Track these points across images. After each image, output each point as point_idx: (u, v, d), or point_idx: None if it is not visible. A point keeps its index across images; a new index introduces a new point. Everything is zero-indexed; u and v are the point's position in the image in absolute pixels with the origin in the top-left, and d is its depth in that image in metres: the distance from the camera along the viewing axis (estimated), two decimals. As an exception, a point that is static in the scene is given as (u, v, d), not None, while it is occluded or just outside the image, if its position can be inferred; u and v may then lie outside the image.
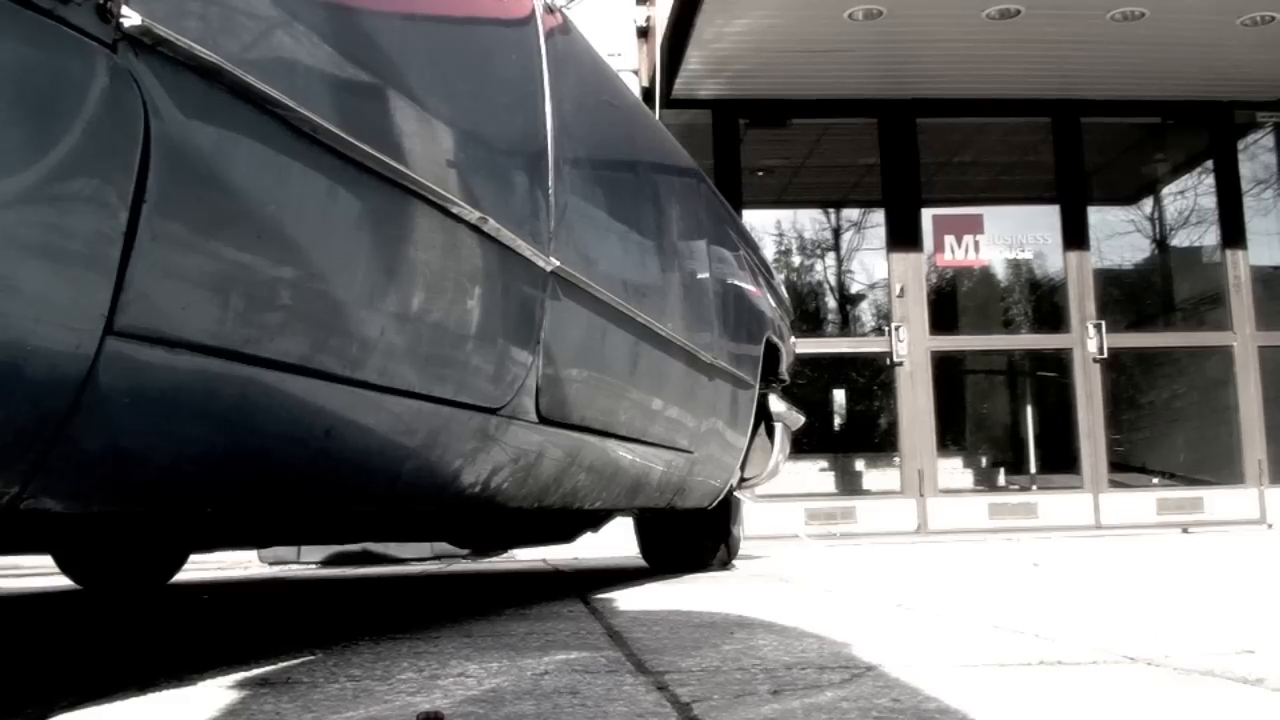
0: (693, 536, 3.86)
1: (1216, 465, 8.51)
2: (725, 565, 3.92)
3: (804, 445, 7.44)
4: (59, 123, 0.97)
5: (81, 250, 1.01)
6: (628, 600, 2.59)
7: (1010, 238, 8.72)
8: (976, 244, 8.48)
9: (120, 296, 1.05)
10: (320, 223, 1.38)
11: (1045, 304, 9.68)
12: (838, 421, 10.59)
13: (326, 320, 1.42)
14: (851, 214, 10.47)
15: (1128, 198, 9.95)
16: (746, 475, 3.92)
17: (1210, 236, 8.89)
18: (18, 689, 1.46)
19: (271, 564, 5.35)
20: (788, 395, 4.28)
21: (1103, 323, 8.10)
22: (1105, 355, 8.08)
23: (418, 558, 5.31)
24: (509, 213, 1.89)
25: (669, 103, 7.69)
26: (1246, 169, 8.75)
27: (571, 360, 2.22)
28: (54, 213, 0.98)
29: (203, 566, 5.00)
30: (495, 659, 1.54)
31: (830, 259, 10.68)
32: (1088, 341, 8.07)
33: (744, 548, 4.23)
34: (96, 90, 1.01)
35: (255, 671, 1.45)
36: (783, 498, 7.38)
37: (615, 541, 4.38)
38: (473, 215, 1.73)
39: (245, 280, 1.24)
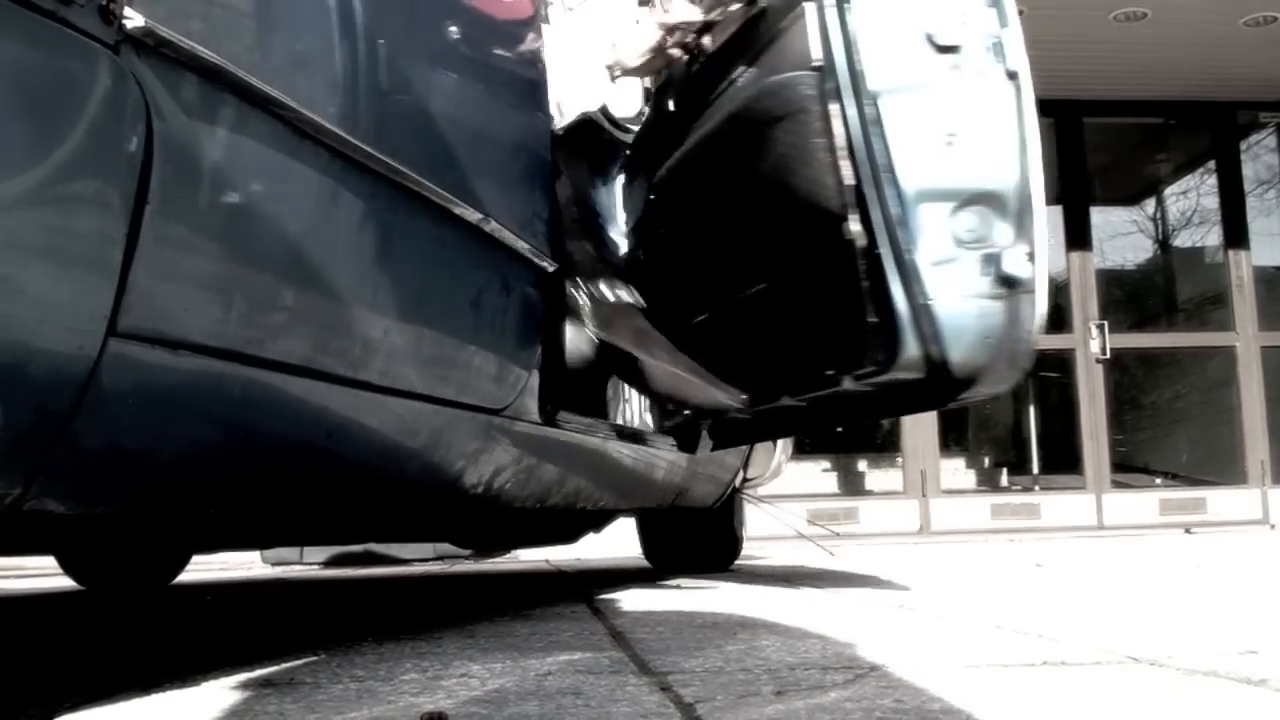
0: (695, 537, 3.86)
1: (1219, 466, 8.49)
2: (728, 566, 3.92)
3: (806, 446, 7.43)
4: (62, 124, 0.97)
5: (84, 252, 1.01)
6: (631, 601, 2.59)
7: (1012, 238, 8.70)
8: (979, 244, 8.46)
9: (123, 298, 1.05)
10: (322, 224, 1.38)
11: (1048, 304, 9.65)
12: (840, 422, 10.57)
13: (328, 321, 1.42)
14: (853, 214, 10.44)
15: (1130, 198, 9.94)
16: (749, 475, 3.91)
17: (1213, 237, 8.88)
18: (22, 689, 1.46)
19: (274, 565, 5.35)
20: (790, 396, 4.26)
21: (1105, 323, 8.09)
22: (1108, 355, 8.07)
23: (420, 558, 5.31)
24: (511, 213, 1.89)
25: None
26: (1249, 169, 8.74)
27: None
28: (57, 214, 0.98)
29: (205, 567, 5.00)
30: (498, 659, 1.54)
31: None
32: (1090, 341, 8.06)
33: (746, 548, 4.22)
34: (99, 92, 1.01)
35: (259, 672, 1.45)
36: (785, 498, 7.37)
37: (618, 542, 4.38)
38: (474, 216, 1.73)
39: (247, 281, 1.25)
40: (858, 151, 1.86)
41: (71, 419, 1.05)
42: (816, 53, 1.92)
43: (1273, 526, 7.96)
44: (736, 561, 4.04)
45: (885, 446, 9.14)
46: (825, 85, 1.89)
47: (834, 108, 1.87)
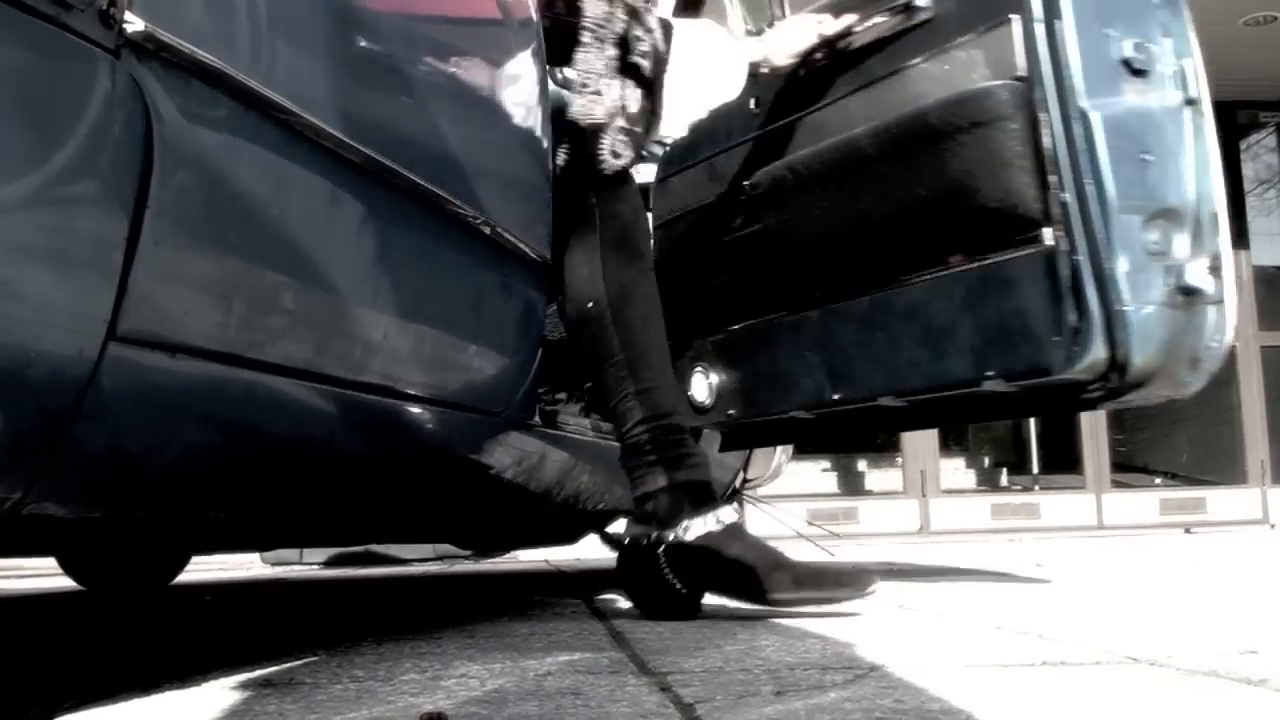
0: (695, 537, 3.85)
1: (1219, 465, 8.50)
2: (728, 566, 3.91)
3: (806, 446, 7.42)
4: (62, 128, 0.97)
5: (84, 255, 1.01)
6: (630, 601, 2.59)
7: (1012, 238, 8.69)
8: (979, 244, 8.45)
9: (123, 301, 1.05)
10: (323, 227, 1.38)
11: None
12: (840, 422, 10.54)
13: (328, 324, 1.42)
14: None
15: (1130, 197, 9.93)
16: (749, 476, 3.91)
17: (1212, 236, 8.87)
18: (22, 689, 1.46)
19: (274, 565, 5.36)
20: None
21: (1105, 322, 8.08)
22: (1108, 355, 8.06)
23: (420, 559, 5.32)
24: (511, 214, 1.89)
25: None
26: (1249, 169, 8.75)
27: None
28: (57, 218, 0.98)
29: (205, 567, 5.00)
30: (498, 660, 1.54)
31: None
32: (1090, 341, 8.05)
33: (746, 548, 4.21)
34: (99, 96, 1.01)
35: (258, 672, 1.45)
36: (785, 498, 7.37)
37: (618, 542, 4.38)
38: (475, 218, 1.73)
39: (248, 285, 1.25)
40: (1062, 162, 1.95)
41: (71, 423, 1.05)
42: (1022, 63, 2.00)
43: (1273, 526, 7.97)
44: (736, 562, 4.03)
45: (885, 446, 9.14)
46: (1035, 95, 1.97)
47: (1041, 117, 1.96)
